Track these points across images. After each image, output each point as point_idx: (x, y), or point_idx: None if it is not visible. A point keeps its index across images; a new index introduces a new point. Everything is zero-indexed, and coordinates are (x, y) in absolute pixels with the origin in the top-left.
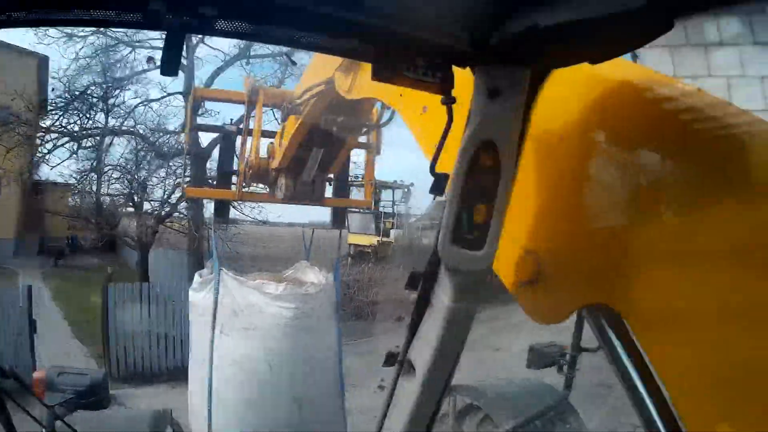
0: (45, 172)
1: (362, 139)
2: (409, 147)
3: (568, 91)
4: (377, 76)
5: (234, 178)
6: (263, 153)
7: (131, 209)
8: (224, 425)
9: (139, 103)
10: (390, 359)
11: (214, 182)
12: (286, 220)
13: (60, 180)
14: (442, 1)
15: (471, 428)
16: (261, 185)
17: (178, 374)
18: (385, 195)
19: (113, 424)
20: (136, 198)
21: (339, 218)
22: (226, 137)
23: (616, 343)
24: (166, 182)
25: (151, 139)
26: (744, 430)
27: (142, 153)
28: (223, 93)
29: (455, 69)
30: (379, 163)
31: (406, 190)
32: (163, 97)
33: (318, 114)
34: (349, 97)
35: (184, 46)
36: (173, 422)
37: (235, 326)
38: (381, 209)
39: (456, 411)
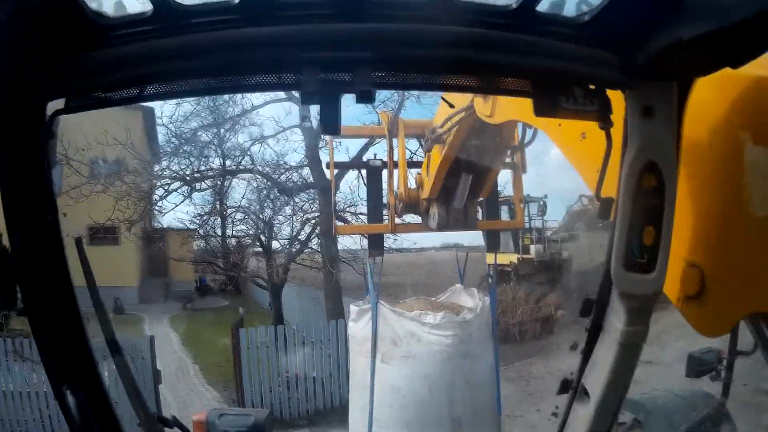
0: (166, 219)
1: (507, 159)
2: (535, 160)
3: (706, 96)
4: (539, 112)
5: (385, 211)
6: (411, 184)
7: (259, 249)
8: None
9: (255, 141)
10: (565, 386)
11: (345, 214)
12: (418, 246)
13: (181, 225)
14: (589, 29)
15: None
16: (412, 216)
17: (319, 418)
18: None
19: None
20: (263, 238)
21: (493, 241)
22: (373, 171)
23: None
24: (294, 219)
25: (273, 176)
26: None
27: (265, 191)
28: (362, 129)
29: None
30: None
31: (541, 203)
32: (279, 132)
33: (462, 141)
34: (493, 122)
35: None
36: None
37: (395, 355)
38: None
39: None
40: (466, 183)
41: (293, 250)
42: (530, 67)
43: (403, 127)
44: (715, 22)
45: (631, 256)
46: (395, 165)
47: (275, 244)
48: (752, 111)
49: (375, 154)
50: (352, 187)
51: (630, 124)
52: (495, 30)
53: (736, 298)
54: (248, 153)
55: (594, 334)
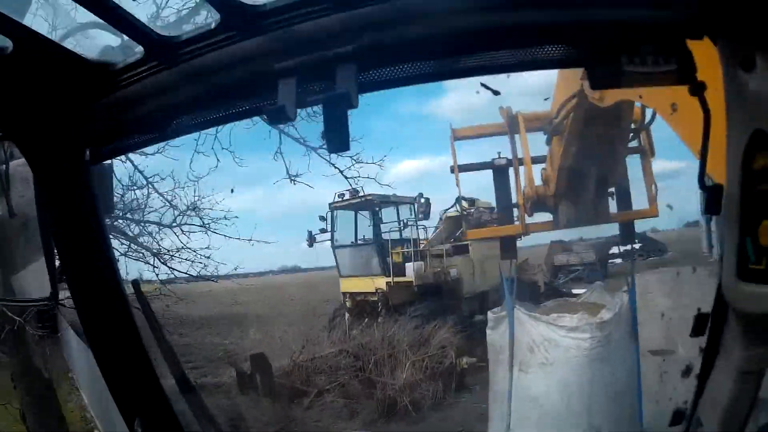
0: None
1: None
2: (405, 148)
3: None
4: (596, 83)
5: (515, 212)
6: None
7: None
8: None
9: None
10: (677, 418)
11: None
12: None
13: None
14: None
15: None
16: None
17: None
18: (386, 215)
19: None
20: None
21: (627, 233)
22: (498, 171)
23: None
24: None
25: None
26: None
27: None
28: (482, 128)
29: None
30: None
31: (415, 204)
32: None
33: (579, 129)
34: (604, 105)
35: None
36: None
37: (532, 362)
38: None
39: None
40: (591, 173)
41: None
42: (574, 23)
43: (523, 121)
44: None
45: (745, 261)
46: (520, 162)
47: None
48: None
49: (499, 153)
50: None
51: (727, 82)
52: None
53: None
54: None
55: (709, 357)
